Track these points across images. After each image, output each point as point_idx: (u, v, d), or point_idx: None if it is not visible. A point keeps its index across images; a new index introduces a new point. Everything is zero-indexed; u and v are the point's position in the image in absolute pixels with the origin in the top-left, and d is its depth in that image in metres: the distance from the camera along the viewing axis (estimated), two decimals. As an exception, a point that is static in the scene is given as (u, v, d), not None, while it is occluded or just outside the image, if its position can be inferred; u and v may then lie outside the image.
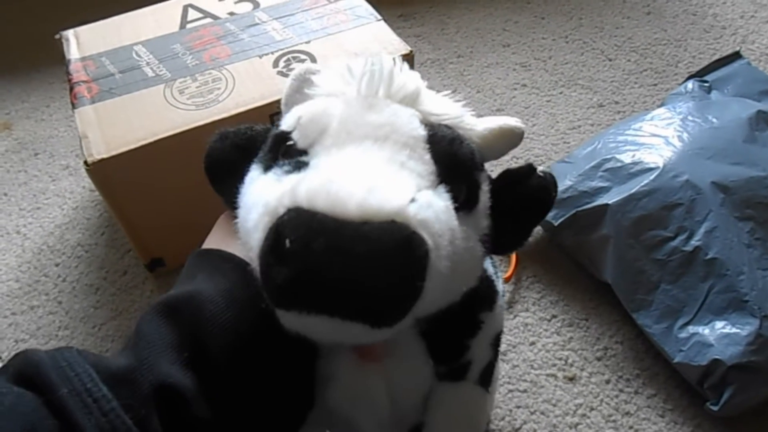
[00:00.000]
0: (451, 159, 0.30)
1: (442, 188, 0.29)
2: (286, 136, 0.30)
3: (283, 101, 0.36)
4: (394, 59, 0.32)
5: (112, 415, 0.25)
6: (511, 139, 0.34)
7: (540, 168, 0.35)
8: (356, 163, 0.28)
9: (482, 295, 0.38)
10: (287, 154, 0.30)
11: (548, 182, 0.35)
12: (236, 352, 0.29)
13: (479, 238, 0.31)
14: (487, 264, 0.39)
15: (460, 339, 0.38)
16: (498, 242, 0.33)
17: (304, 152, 0.29)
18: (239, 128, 0.36)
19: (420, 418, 0.40)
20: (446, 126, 0.31)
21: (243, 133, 0.36)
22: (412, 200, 0.26)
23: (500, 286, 0.41)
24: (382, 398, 0.35)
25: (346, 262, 0.23)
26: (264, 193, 0.28)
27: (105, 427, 0.25)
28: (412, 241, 0.24)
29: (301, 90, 0.34)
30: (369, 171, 0.27)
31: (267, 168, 0.31)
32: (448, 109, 0.32)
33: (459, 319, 0.37)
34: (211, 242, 0.36)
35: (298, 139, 0.30)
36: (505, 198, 0.33)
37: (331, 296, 0.24)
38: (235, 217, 0.32)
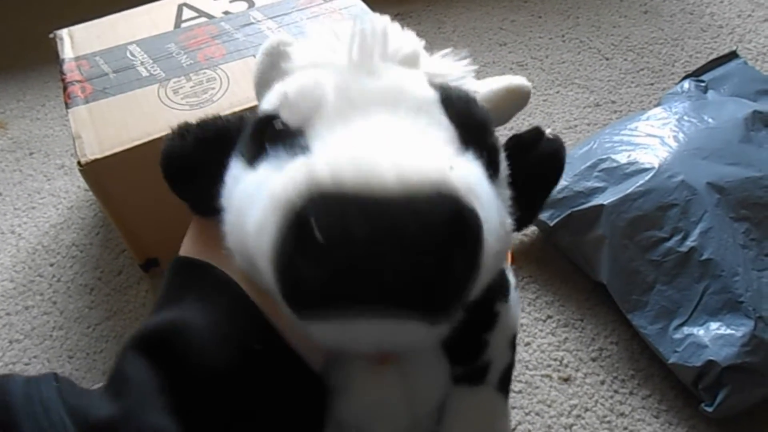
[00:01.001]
0: (470, 121, 0.26)
1: (470, 154, 0.25)
2: (271, 117, 0.26)
3: (255, 82, 0.31)
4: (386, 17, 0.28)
5: None
6: (518, 99, 0.32)
7: (548, 131, 0.32)
8: (373, 131, 0.23)
9: (496, 284, 0.34)
10: (276, 138, 0.25)
11: (558, 146, 0.32)
12: (225, 397, 0.26)
13: (507, 210, 0.28)
14: None
15: (478, 333, 0.34)
16: (522, 212, 0.29)
17: (299, 132, 0.25)
18: (203, 120, 0.31)
19: (434, 427, 0.36)
20: (455, 87, 0.28)
21: (209, 124, 0.31)
22: (451, 168, 0.22)
23: (512, 277, 0.37)
24: (400, 405, 0.32)
25: (399, 247, 0.19)
26: (263, 187, 0.23)
27: None
28: (466, 214, 0.21)
29: (276, 66, 0.29)
30: (394, 138, 0.23)
31: (253, 159, 0.26)
32: (452, 68, 0.29)
33: (474, 311, 0.34)
34: (193, 249, 0.32)
35: (288, 118, 0.25)
36: (515, 166, 0.29)
37: (384, 293, 0.20)
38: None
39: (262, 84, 0.30)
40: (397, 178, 0.20)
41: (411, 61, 0.28)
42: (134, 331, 0.28)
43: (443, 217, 0.20)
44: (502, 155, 0.29)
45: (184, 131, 0.31)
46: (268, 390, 0.27)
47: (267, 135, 0.26)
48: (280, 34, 0.30)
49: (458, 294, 0.21)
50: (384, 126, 0.24)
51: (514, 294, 0.36)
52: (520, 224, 0.29)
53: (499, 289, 0.35)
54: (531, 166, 0.31)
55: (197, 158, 0.30)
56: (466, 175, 0.22)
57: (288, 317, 0.24)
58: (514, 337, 0.38)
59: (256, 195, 0.23)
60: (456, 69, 0.29)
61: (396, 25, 0.29)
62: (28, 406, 0.24)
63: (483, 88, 0.31)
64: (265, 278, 0.23)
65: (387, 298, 0.20)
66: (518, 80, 0.32)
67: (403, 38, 0.28)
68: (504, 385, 0.38)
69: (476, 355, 0.35)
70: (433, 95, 0.26)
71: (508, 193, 0.28)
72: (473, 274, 0.21)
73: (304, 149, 0.23)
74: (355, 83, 0.25)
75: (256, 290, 0.28)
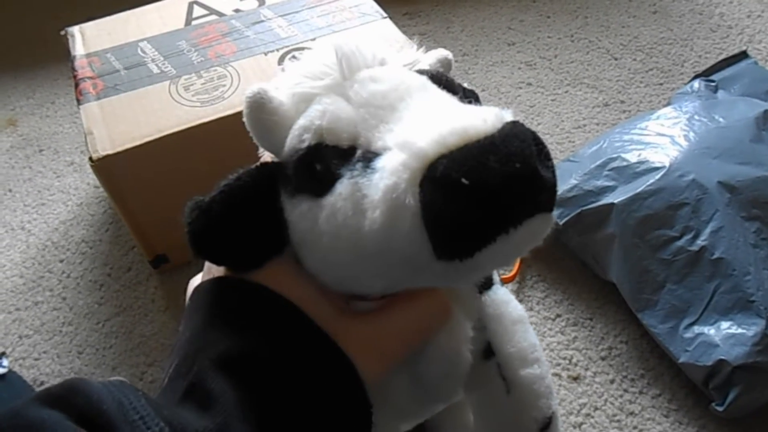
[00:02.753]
0: (453, 87, 0.31)
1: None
2: (316, 150, 0.28)
3: (257, 138, 0.31)
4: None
5: None
6: (447, 66, 0.37)
7: None
8: (424, 112, 0.28)
9: None
10: (333, 162, 0.28)
11: None
12: (298, 423, 0.27)
13: None
14: None
15: None
16: None
17: (352, 149, 0.28)
18: (220, 190, 0.30)
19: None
20: (426, 69, 0.33)
21: (230, 190, 0.30)
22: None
23: None
24: (469, 333, 0.34)
25: (523, 161, 0.24)
26: (367, 192, 0.26)
27: None
28: (532, 131, 0.26)
29: (268, 112, 0.30)
30: (443, 109, 0.28)
31: (321, 189, 0.28)
32: (411, 58, 0.34)
33: None
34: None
35: (336, 142, 0.28)
36: None
37: (526, 198, 0.25)
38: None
39: (263, 131, 0.31)
40: (487, 123, 0.25)
41: (386, 63, 0.32)
42: (209, 349, 0.28)
43: (531, 135, 0.26)
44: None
45: (205, 208, 0.29)
46: (328, 409, 0.28)
47: (321, 165, 0.28)
48: (252, 85, 0.30)
49: (557, 187, 0.27)
50: (424, 107, 0.28)
51: None
52: None
53: None
54: None
55: (229, 223, 0.30)
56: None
57: (354, 332, 0.29)
58: None
59: (360, 203, 0.27)
60: (412, 57, 0.34)
61: (360, 38, 0.34)
62: (124, 414, 0.23)
63: (426, 61, 0.35)
64: (388, 269, 0.27)
65: (529, 201, 0.25)
66: (444, 52, 0.36)
67: (372, 46, 0.32)
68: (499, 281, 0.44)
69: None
70: (424, 78, 0.30)
71: None
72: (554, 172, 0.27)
73: (375, 154, 0.27)
74: (369, 93, 0.29)
75: (320, 313, 0.29)
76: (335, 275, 0.29)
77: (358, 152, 0.28)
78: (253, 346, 0.28)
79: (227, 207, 0.29)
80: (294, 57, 0.64)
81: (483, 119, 0.26)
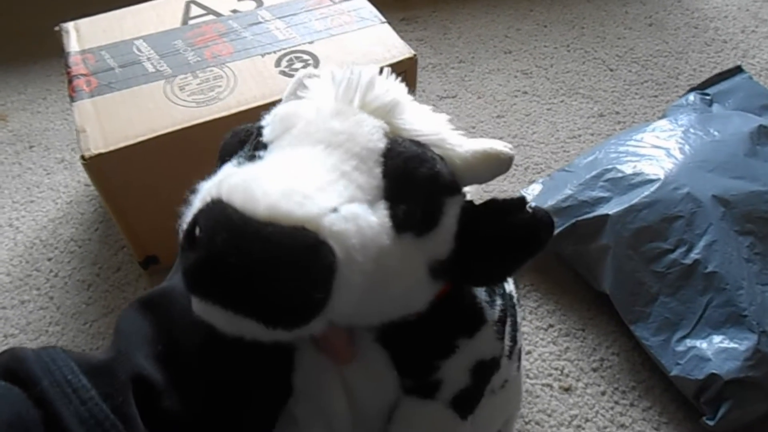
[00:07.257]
0: (405, 177, 0.28)
1: (382, 204, 0.28)
2: (260, 130, 0.31)
3: (283, 101, 0.36)
4: (381, 69, 0.32)
5: (90, 404, 0.26)
6: (497, 164, 0.32)
7: (533, 204, 0.32)
8: (294, 165, 0.28)
9: (462, 320, 0.36)
10: (254, 144, 0.31)
11: (538, 220, 0.32)
12: (204, 348, 0.30)
13: (429, 263, 0.30)
14: (480, 291, 0.36)
15: (429, 358, 0.35)
16: (475, 272, 0.32)
17: (265, 146, 0.30)
18: (248, 125, 0.35)
19: (385, 428, 0.38)
20: (415, 142, 0.30)
21: (248, 129, 0.35)
22: (334, 210, 0.26)
23: (494, 315, 0.37)
24: (343, 408, 0.35)
25: (241, 259, 0.24)
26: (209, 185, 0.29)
27: (84, 415, 0.26)
28: (315, 250, 0.24)
29: (296, 92, 0.35)
30: (300, 175, 0.27)
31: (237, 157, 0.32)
32: (423, 126, 0.31)
33: (429, 339, 0.35)
34: None
35: (267, 133, 0.31)
36: (488, 227, 0.31)
37: (225, 289, 0.25)
38: None
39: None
40: (266, 207, 0.24)
41: (383, 112, 0.30)
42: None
43: (291, 248, 0.24)
44: (450, 213, 0.30)
45: (235, 132, 0.35)
46: (241, 346, 0.29)
47: (251, 140, 0.31)
48: (309, 69, 0.36)
49: (289, 314, 0.25)
50: (311, 161, 0.28)
51: (487, 330, 0.36)
52: (485, 280, 0.34)
53: (463, 324, 0.36)
54: (505, 231, 0.32)
55: (235, 154, 0.34)
56: (344, 219, 0.26)
57: None
58: (480, 363, 0.37)
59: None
60: (428, 127, 0.31)
61: (392, 77, 0.32)
62: (38, 357, 0.27)
63: (464, 146, 0.32)
64: None
65: (225, 295, 0.25)
66: (500, 146, 0.32)
67: (387, 90, 0.31)
68: (458, 403, 0.37)
69: (424, 375, 0.36)
70: (379, 146, 0.29)
71: (443, 248, 0.30)
72: (308, 303, 0.25)
73: (257, 159, 0.29)
74: (321, 120, 0.29)
75: None
76: None
77: (261, 151, 0.30)
78: (173, 284, 0.31)
79: (240, 139, 0.34)
80: (291, 60, 0.64)
81: (271, 204, 0.24)
